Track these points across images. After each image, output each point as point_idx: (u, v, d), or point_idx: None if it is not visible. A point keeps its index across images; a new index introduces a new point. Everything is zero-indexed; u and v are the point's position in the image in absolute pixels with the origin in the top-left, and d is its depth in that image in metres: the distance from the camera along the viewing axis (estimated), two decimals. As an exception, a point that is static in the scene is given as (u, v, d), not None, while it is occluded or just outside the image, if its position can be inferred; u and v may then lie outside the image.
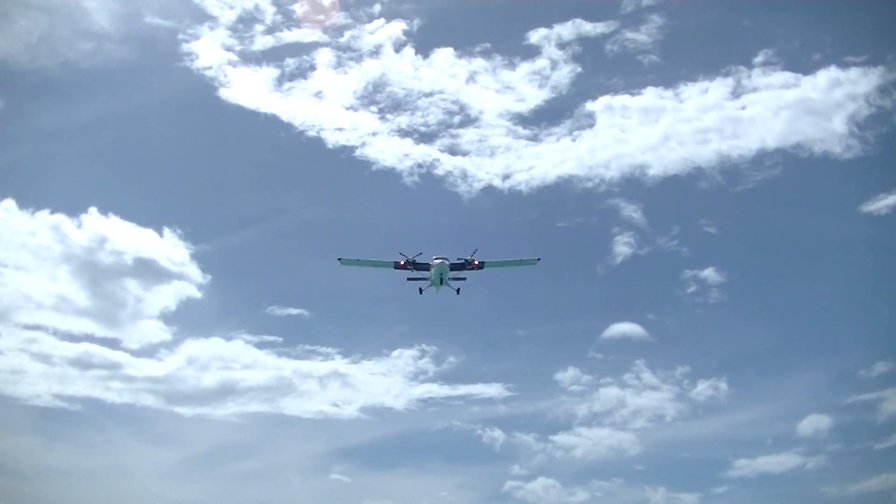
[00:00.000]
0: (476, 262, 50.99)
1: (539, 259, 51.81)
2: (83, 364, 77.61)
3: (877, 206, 76.62)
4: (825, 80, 78.80)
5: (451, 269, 50.61)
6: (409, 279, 52.71)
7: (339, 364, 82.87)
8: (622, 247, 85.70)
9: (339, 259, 50.96)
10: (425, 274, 51.09)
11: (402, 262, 50.73)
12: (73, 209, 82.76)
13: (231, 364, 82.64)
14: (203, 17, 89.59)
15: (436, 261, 50.15)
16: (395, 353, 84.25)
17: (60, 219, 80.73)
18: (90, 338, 79.08)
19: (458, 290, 52.34)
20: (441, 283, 51.06)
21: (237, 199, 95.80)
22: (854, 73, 76.97)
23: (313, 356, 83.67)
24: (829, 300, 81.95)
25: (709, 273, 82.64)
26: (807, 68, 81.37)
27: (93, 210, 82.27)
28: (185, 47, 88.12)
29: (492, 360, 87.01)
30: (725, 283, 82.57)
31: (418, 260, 50.44)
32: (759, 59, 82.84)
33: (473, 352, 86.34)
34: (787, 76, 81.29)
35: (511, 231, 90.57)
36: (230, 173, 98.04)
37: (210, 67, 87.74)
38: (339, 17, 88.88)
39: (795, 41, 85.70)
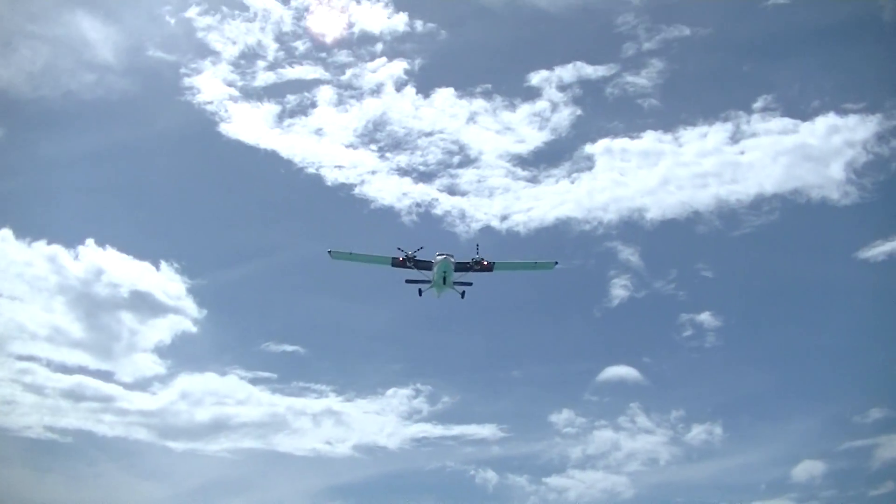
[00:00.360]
0: (485, 263, 48.24)
1: (557, 263, 49.57)
2: (76, 396, 77.35)
3: (873, 252, 77.27)
4: (823, 127, 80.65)
5: (455, 270, 48.04)
6: (407, 281, 50.78)
7: (333, 402, 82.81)
8: (619, 289, 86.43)
9: (330, 252, 48.31)
10: (426, 274, 48.54)
11: (401, 259, 47.97)
12: (71, 240, 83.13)
13: (225, 399, 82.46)
14: (206, 51, 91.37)
15: (439, 257, 47.05)
16: (390, 391, 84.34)
17: (57, 250, 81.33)
18: (84, 370, 78.88)
19: (462, 294, 49.32)
20: (444, 284, 47.86)
21: (235, 234, 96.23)
22: (852, 119, 79.00)
23: (307, 393, 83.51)
24: (825, 346, 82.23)
25: (705, 317, 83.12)
26: (805, 114, 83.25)
27: (90, 242, 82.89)
28: (187, 81, 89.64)
29: (486, 401, 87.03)
30: (722, 328, 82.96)
31: (419, 256, 47.86)
32: (758, 104, 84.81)
33: (468, 392, 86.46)
34: (786, 122, 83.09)
35: (508, 272, 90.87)
36: (229, 208, 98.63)
37: (211, 102, 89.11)
38: (342, 55, 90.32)
39: (794, 87, 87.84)
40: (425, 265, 49.46)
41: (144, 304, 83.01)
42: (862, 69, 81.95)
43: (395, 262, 49.69)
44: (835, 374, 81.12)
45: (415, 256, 48.62)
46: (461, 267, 49.17)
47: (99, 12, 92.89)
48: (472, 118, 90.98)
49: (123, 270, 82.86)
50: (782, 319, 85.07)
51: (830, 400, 79.71)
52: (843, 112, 79.48)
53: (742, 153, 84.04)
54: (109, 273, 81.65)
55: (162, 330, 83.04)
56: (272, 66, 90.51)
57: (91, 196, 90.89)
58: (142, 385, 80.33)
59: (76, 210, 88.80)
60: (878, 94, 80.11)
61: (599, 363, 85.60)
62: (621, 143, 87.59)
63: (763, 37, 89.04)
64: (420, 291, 50.89)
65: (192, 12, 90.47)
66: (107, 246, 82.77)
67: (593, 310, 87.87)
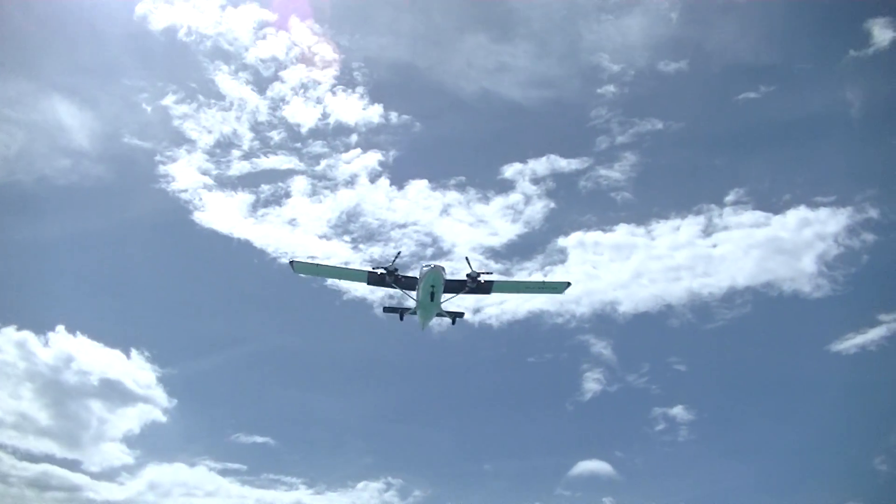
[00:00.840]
0: (482, 281, 39.62)
1: (570, 284, 41.20)
2: (41, 485, 71.83)
3: (846, 345, 76.31)
4: (795, 220, 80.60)
5: (445, 290, 39.51)
6: (385, 310, 43.02)
7: (303, 494, 77.86)
8: (591, 383, 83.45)
9: (291, 263, 40.61)
10: (410, 294, 40.54)
11: (379, 273, 39.83)
12: (41, 326, 79.77)
13: (194, 490, 76.99)
14: (181, 140, 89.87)
15: (426, 269, 38.73)
16: (361, 484, 79.19)
17: (27, 335, 77.39)
18: (50, 458, 73.37)
19: (454, 320, 42.01)
20: (432, 302, 39.08)
21: (207, 324, 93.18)
22: (823, 213, 79.03)
23: (277, 486, 78.14)
24: (798, 440, 78.91)
25: (678, 411, 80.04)
26: (777, 208, 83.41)
27: (61, 328, 79.31)
28: (162, 169, 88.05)
29: (458, 495, 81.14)
30: (695, 422, 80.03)
31: (401, 272, 39.64)
32: (730, 197, 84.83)
33: (439, 486, 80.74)
34: (758, 215, 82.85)
35: (481, 365, 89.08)
36: (201, 297, 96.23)
37: (186, 190, 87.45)
38: (317, 146, 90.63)
39: (766, 181, 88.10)
40: (409, 283, 40.91)
41: (114, 393, 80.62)
42: (832, 163, 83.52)
43: (372, 279, 41.10)
44: (809, 468, 77.96)
45: (396, 270, 40.09)
46: (452, 287, 40.43)
47: (76, 98, 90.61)
48: (445, 210, 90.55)
49: (94, 358, 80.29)
50: (755, 413, 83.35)
51: (805, 494, 75.48)
52: (813, 205, 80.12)
53: (714, 246, 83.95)
54: (79, 360, 79.27)
55: (131, 419, 79.78)
56: (247, 156, 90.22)
57: (63, 282, 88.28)
58: (109, 475, 75.72)
59: (47, 296, 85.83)
60: (847, 187, 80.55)
61: (572, 457, 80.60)
62: (594, 236, 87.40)
63: (734, 131, 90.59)
64: (401, 315, 42.41)
65: (168, 100, 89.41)
66: (78, 333, 79.82)
67: (565, 403, 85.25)
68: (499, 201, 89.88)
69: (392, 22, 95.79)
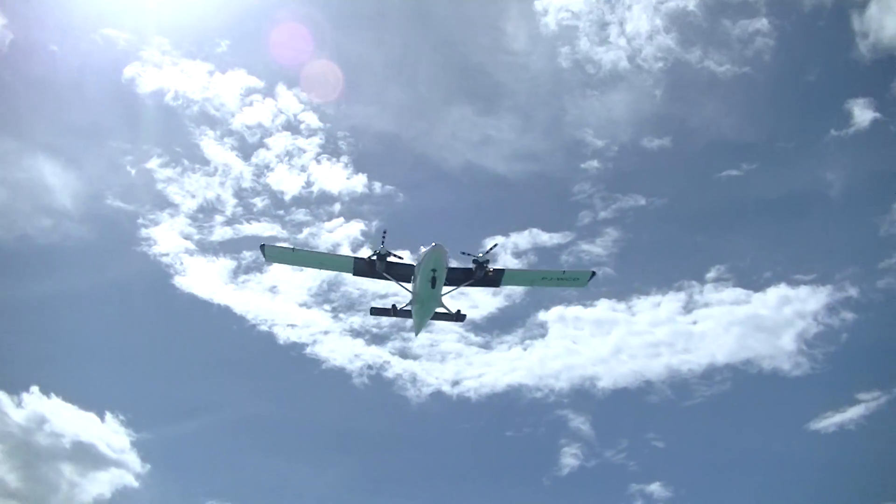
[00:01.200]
0: (490, 270, 34.44)
1: (594, 273, 36.14)
2: None
3: (824, 423, 75.24)
4: (775, 298, 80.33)
5: (446, 282, 33.82)
6: (373, 311, 36.68)
7: None
8: (569, 458, 79.71)
9: (262, 247, 34.49)
10: (405, 287, 34.33)
11: (367, 259, 33.95)
12: (15, 387, 75.97)
13: None
14: (164, 203, 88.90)
15: (426, 249, 32.68)
16: None
17: (0, 396, 73.44)
18: None
19: (457, 318, 36.77)
20: (433, 289, 32.96)
21: (184, 389, 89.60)
22: (803, 291, 78.93)
23: None
24: None
25: (655, 488, 75.99)
26: (757, 285, 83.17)
27: (35, 389, 75.88)
28: (144, 232, 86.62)
29: None
30: (672, 499, 75.85)
31: (393, 258, 33.64)
32: (711, 274, 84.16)
33: None
34: (739, 292, 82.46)
35: (458, 438, 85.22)
36: (179, 362, 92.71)
37: (167, 254, 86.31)
38: (300, 213, 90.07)
39: (747, 258, 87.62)
40: (403, 273, 34.83)
41: (86, 456, 76.96)
42: (812, 241, 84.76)
43: (359, 268, 34.64)
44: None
45: (388, 255, 34.03)
46: (455, 277, 34.65)
47: (60, 158, 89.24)
48: None
49: (67, 420, 77.25)
50: (734, 490, 79.70)
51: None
52: (794, 283, 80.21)
53: (695, 323, 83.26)
54: (52, 422, 76.38)
55: (103, 484, 75.50)
56: (230, 222, 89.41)
57: (39, 342, 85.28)
58: (77, 540, 72.52)
59: (23, 356, 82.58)
60: (828, 265, 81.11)
61: (548, 532, 77.94)
62: (575, 310, 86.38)
63: (716, 207, 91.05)
64: (394, 307, 35.84)
65: (153, 163, 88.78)
66: (52, 394, 76.61)
67: (543, 478, 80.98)
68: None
69: (378, 92, 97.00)
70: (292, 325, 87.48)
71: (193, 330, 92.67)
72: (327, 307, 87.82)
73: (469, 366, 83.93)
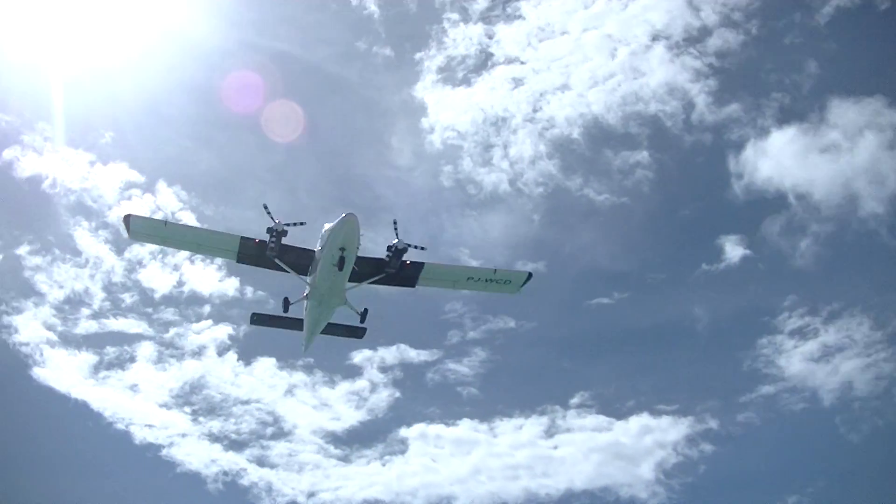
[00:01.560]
0: (407, 263, 28.79)
1: (531, 275, 30.89)
2: None
3: None
4: (637, 426, 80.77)
5: (352, 276, 27.96)
6: (254, 320, 31.24)
7: None
8: None
9: (127, 218, 27.86)
10: (303, 279, 28.16)
11: (257, 242, 27.81)
12: None
13: None
14: (30, 291, 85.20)
15: (329, 226, 26.83)
16: None
17: None
18: None
19: (363, 317, 29.91)
20: (340, 272, 26.76)
21: (34, 485, 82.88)
22: (665, 421, 79.70)
23: None
24: None
25: None
26: (620, 413, 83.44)
27: None
28: (6, 319, 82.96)
29: None
30: None
31: (287, 241, 27.62)
32: (575, 400, 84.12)
33: None
34: (601, 419, 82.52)
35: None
36: (30, 457, 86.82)
37: (27, 344, 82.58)
38: (168, 313, 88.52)
39: (612, 386, 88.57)
40: (302, 261, 28.57)
41: None
42: (676, 372, 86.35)
43: (246, 252, 28.33)
44: None
45: (284, 233, 27.67)
46: (364, 269, 28.45)
47: None
48: (290, 391, 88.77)
49: None
50: None
51: None
52: (656, 413, 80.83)
53: (556, 448, 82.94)
54: None
55: None
56: (96, 315, 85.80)
57: None
58: None
59: None
60: (690, 397, 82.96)
61: None
62: (437, 428, 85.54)
63: (585, 334, 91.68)
64: (287, 301, 29.39)
65: (22, 250, 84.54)
66: None
67: None
68: (345, 386, 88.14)
69: (257, 197, 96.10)
70: (150, 426, 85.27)
71: (48, 424, 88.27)
72: (188, 409, 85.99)
73: (326, 478, 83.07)
